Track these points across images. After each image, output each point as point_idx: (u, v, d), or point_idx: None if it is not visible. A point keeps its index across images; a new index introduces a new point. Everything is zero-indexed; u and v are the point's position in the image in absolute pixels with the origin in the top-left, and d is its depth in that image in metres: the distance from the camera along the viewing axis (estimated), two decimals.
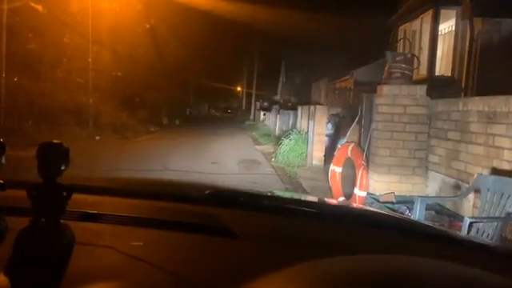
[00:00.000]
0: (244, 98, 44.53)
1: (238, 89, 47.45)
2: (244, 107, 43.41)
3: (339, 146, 6.41)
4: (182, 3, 18.59)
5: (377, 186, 5.11)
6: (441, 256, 0.80)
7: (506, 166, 3.59)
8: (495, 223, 3.15)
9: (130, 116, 18.23)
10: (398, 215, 1.28)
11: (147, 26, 18.59)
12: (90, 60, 15.78)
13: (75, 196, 0.66)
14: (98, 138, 14.11)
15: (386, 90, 5.14)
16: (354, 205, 1.57)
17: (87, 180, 1.20)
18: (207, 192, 1.07)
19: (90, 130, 15.00)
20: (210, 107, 51.60)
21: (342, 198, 5.60)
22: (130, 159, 8.78)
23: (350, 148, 5.65)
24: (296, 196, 1.59)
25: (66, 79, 15.20)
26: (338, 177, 5.86)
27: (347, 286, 0.56)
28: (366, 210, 1.25)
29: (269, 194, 1.44)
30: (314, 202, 1.36)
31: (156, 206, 0.99)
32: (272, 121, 19.64)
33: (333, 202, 1.42)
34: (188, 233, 0.85)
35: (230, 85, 44.03)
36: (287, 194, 1.57)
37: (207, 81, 36.92)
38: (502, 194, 3.18)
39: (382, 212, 1.30)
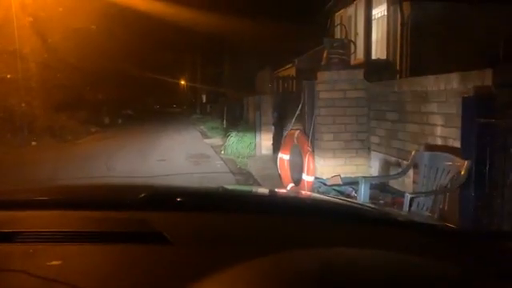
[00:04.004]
0: (189, 92, 43.86)
1: (182, 83, 46.61)
2: (190, 101, 42.78)
3: (285, 134, 6.48)
4: (119, 4, 17.80)
5: (323, 170, 5.23)
6: (380, 241, 0.80)
7: (439, 142, 3.81)
8: (433, 196, 3.33)
9: (68, 118, 17.23)
10: (339, 201, 1.27)
11: (83, 26, 17.56)
12: (18, 62, 14.66)
13: None
14: (34, 143, 13.22)
15: (325, 76, 5.25)
16: (297, 194, 1.55)
17: (2, 193, 1.08)
18: (141, 196, 0.99)
19: (24, 135, 13.99)
20: (155, 103, 50.20)
21: (291, 185, 5.68)
22: (70, 165, 8.30)
23: (295, 135, 5.73)
24: (239, 190, 1.54)
25: None
26: (286, 164, 5.93)
27: (279, 284, 0.54)
28: (307, 200, 1.23)
29: (209, 190, 1.37)
30: (254, 196, 1.32)
31: (81, 217, 0.90)
32: (219, 113, 19.51)
33: (275, 193, 1.39)
34: (115, 244, 0.78)
35: (174, 79, 43.10)
36: (230, 190, 1.51)
37: (150, 76, 35.85)
38: (437, 169, 3.37)
39: (326, 199, 1.28)
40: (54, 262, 0.70)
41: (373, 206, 1.66)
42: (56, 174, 6.68)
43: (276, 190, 1.43)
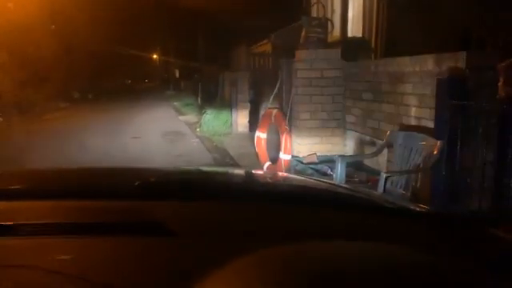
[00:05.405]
0: (162, 67, 42.82)
1: (155, 57, 45.40)
2: (163, 76, 41.83)
3: (262, 112, 6.48)
4: None
5: (300, 149, 5.29)
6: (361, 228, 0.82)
7: (413, 122, 3.90)
8: (407, 175, 3.45)
9: (35, 93, 16.57)
10: (325, 186, 1.28)
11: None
12: None
13: None
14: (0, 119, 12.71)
15: (303, 54, 5.23)
16: (290, 178, 1.55)
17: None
18: (136, 183, 0.96)
19: None
20: (126, 78, 48.80)
21: (268, 163, 5.73)
22: (40, 142, 8.04)
23: (273, 114, 5.74)
24: (236, 175, 1.53)
25: None
26: (263, 143, 5.96)
27: (290, 276, 0.55)
28: (302, 187, 1.23)
29: (208, 176, 1.34)
30: (257, 184, 1.31)
31: (78, 207, 0.87)
32: (193, 89, 19.22)
33: (275, 179, 1.40)
34: (122, 236, 0.76)
35: (146, 53, 41.87)
36: (227, 174, 1.50)
37: (120, 50, 34.69)
38: (412, 148, 3.47)
39: (320, 186, 1.27)
40: (64, 256, 0.69)
41: (350, 187, 1.69)
42: (25, 155, 6.46)
43: (275, 174, 1.43)
